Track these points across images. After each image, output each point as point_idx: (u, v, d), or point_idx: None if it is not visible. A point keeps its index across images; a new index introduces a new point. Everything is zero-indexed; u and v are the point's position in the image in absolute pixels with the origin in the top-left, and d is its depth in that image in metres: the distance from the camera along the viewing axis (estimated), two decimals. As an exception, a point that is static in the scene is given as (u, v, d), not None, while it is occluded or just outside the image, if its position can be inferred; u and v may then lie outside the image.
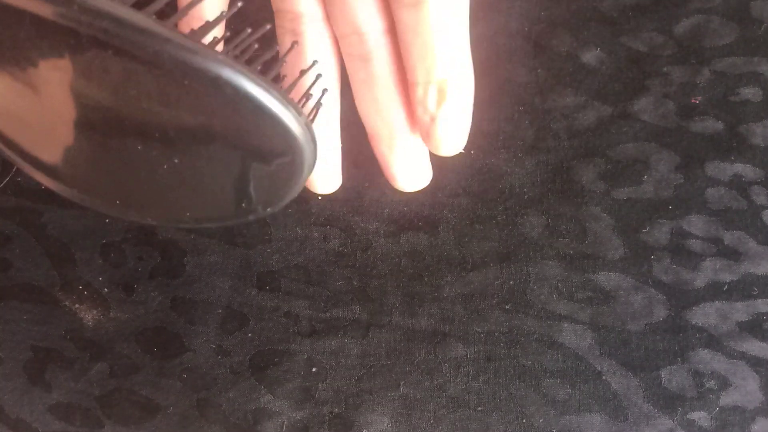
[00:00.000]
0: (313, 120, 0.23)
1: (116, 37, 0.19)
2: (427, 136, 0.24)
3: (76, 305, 0.30)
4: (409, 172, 0.26)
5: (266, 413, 0.28)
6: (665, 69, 0.31)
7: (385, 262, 0.30)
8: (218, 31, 0.25)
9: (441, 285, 0.29)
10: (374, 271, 0.30)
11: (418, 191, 0.27)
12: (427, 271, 0.30)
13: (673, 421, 0.28)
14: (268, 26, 0.22)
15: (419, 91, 0.24)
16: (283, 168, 0.22)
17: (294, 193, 0.23)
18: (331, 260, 0.30)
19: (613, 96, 0.31)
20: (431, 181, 0.30)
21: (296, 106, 0.21)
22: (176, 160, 0.21)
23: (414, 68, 0.24)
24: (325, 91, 0.25)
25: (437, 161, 0.31)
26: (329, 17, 0.25)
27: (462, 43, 0.24)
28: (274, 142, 0.21)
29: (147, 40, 0.19)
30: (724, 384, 0.28)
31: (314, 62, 0.25)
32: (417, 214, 0.30)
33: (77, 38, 0.19)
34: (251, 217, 0.24)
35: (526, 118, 0.31)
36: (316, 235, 0.30)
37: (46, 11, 0.19)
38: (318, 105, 0.25)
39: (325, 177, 0.27)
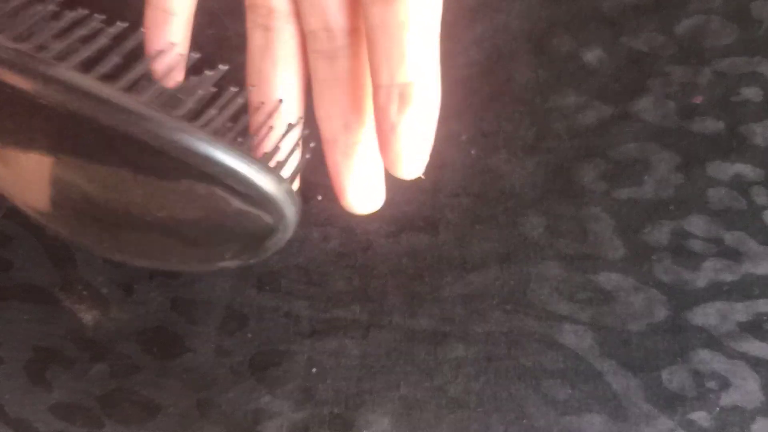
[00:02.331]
0: (295, 176, 0.23)
1: (86, 111, 0.19)
2: (384, 148, 0.22)
3: (77, 305, 0.30)
4: (362, 188, 0.25)
5: (266, 413, 0.28)
6: (666, 69, 0.31)
7: (385, 262, 0.30)
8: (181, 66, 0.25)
9: (441, 285, 0.29)
10: (374, 272, 0.30)
11: (374, 207, 0.26)
12: (427, 271, 0.30)
13: (674, 421, 0.28)
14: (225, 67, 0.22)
15: (381, 95, 0.22)
16: (266, 227, 0.22)
17: (278, 247, 0.23)
18: (331, 260, 0.30)
19: (613, 96, 0.31)
20: (431, 181, 0.30)
21: (275, 173, 0.21)
22: (159, 215, 0.22)
23: (377, 69, 0.22)
24: (307, 140, 0.24)
25: (438, 161, 0.31)
26: (298, 13, 0.24)
27: (432, 49, 0.22)
28: (255, 206, 0.21)
29: (115, 115, 0.19)
30: (725, 384, 0.28)
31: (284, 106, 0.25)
32: (417, 214, 0.30)
33: (55, 110, 0.19)
34: (236, 265, 0.24)
35: (527, 118, 0.31)
36: (316, 235, 0.30)
37: (17, 83, 0.19)
38: (303, 154, 0.24)
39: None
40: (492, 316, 0.29)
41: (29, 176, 0.23)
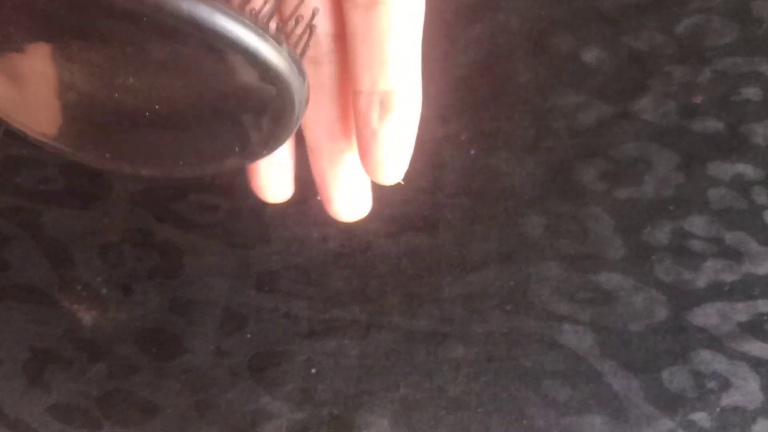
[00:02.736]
0: (304, 49, 0.21)
1: None
2: (364, 156, 0.22)
3: (75, 306, 0.30)
4: (349, 196, 0.24)
5: (265, 414, 0.28)
6: (666, 68, 0.31)
7: (384, 262, 0.30)
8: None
9: (441, 285, 0.29)
10: (374, 272, 0.30)
11: (361, 214, 0.25)
12: (426, 271, 0.29)
13: (674, 421, 0.28)
14: None
15: (362, 102, 0.22)
16: (273, 106, 0.20)
17: (289, 132, 0.21)
18: (330, 261, 0.30)
19: (613, 95, 0.31)
20: (430, 180, 0.30)
21: (275, 37, 0.19)
22: (159, 108, 0.20)
23: (359, 75, 0.22)
24: (316, 11, 0.22)
25: (438, 160, 0.31)
26: (282, 18, 0.23)
27: (413, 57, 0.22)
28: (256, 78, 0.19)
29: None
30: (725, 384, 0.28)
31: None
32: (417, 215, 0.30)
33: None
34: (247, 162, 0.23)
35: (527, 118, 0.31)
36: (315, 235, 0.30)
37: None
38: (309, 28, 0.22)
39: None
40: (492, 317, 0.29)
41: (29, 90, 0.22)
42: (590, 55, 0.31)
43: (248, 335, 0.29)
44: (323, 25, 0.23)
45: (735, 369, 0.28)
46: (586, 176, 0.30)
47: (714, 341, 0.28)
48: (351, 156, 0.24)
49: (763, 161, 0.30)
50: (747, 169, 0.30)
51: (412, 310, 0.29)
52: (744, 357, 0.28)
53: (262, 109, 0.20)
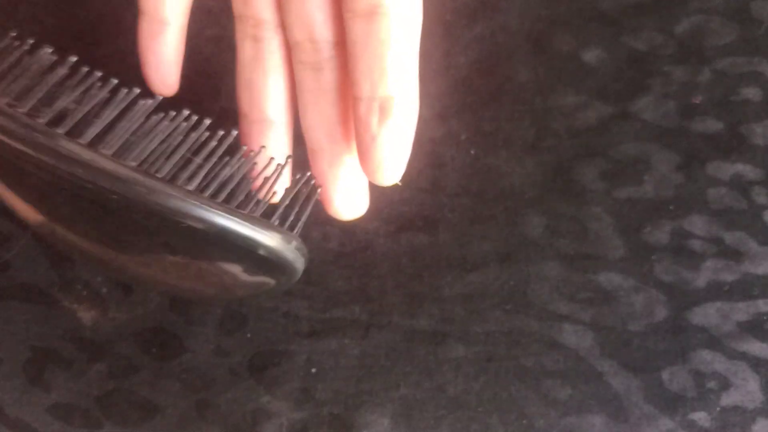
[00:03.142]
0: (297, 224, 0.24)
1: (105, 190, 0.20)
2: (364, 158, 0.23)
3: (75, 305, 0.30)
4: (348, 195, 0.25)
5: (265, 414, 0.28)
6: (666, 68, 0.31)
7: (384, 262, 0.30)
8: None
9: (441, 285, 0.29)
10: (374, 271, 0.30)
11: (359, 213, 0.26)
12: (426, 271, 0.29)
13: (674, 421, 0.28)
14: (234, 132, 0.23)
15: (362, 107, 0.23)
16: (279, 279, 0.24)
17: (286, 287, 0.26)
18: (330, 260, 0.30)
19: (613, 95, 0.31)
20: (430, 180, 0.30)
21: (284, 233, 0.22)
22: (178, 269, 0.24)
23: (359, 82, 0.23)
24: (312, 183, 0.26)
25: (438, 160, 0.31)
26: (284, 24, 0.25)
27: (411, 64, 0.23)
28: (266, 263, 0.23)
29: (128, 190, 0.20)
30: (725, 384, 0.28)
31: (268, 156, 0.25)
32: (417, 214, 0.30)
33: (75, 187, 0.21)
34: (245, 298, 0.28)
35: (527, 118, 0.31)
36: (315, 234, 0.30)
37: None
38: (310, 192, 0.25)
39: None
40: (492, 316, 0.29)
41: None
42: (590, 55, 0.31)
43: (248, 335, 0.29)
44: (325, 33, 0.24)
45: (735, 369, 0.28)
46: (586, 176, 0.30)
47: (714, 341, 0.28)
48: (350, 158, 0.25)
49: (763, 161, 0.30)
50: (746, 169, 0.30)
51: (412, 309, 0.29)
52: (744, 357, 0.28)
53: (269, 280, 0.24)
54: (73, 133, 0.21)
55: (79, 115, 0.21)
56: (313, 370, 0.29)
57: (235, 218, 0.21)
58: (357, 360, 0.29)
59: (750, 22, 0.31)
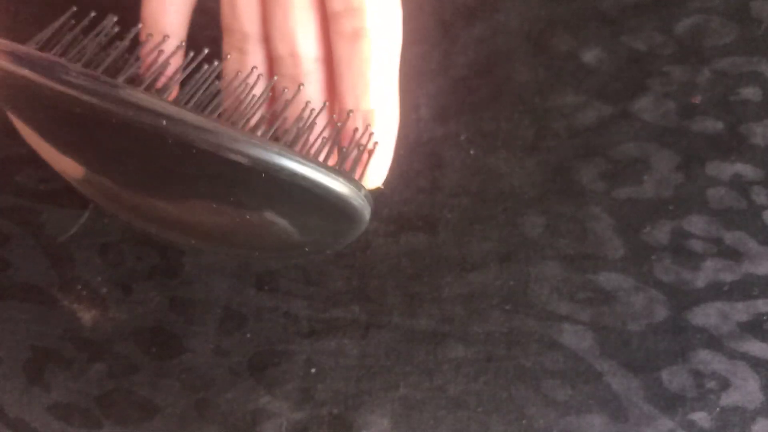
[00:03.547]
0: (364, 171, 0.25)
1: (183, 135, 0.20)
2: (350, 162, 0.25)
3: (75, 305, 0.30)
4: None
5: (265, 414, 0.28)
6: (665, 68, 0.31)
7: (384, 262, 0.30)
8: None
9: (441, 285, 0.29)
10: (374, 271, 0.30)
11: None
12: (426, 271, 0.29)
13: (674, 421, 0.28)
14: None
15: (347, 120, 0.25)
16: (346, 227, 0.24)
17: (354, 237, 0.25)
18: (330, 260, 0.30)
19: (613, 95, 0.31)
20: (430, 180, 0.30)
21: (356, 183, 0.23)
22: (250, 219, 0.24)
23: (344, 95, 0.25)
24: (375, 142, 0.26)
25: (438, 160, 0.31)
26: (269, 38, 0.26)
27: (391, 80, 0.25)
28: (338, 213, 0.23)
29: (211, 139, 0.20)
30: (725, 384, 0.28)
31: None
32: (416, 214, 0.30)
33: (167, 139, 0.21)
34: (313, 256, 0.27)
35: (526, 118, 0.31)
36: (315, 235, 0.30)
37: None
38: (370, 149, 0.26)
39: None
40: (492, 316, 0.29)
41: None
42: (590, 56, 0.31)
43: (248, 335, 0.29)
44: (305, 49, 0.25)
45: (735, 369, 0.28)
46: (586, 176, 0.30)
47: (713, 341, 0.28)
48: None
49: (763, 161, 0.30)
50: (746, 169, 0.30)
51: (412, 309, 0.29)
52: (744, 357, 0.28)
53: (338, 229, 0.24)
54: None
55: (149, 79, 0.22)
56: (313, 370, 0.29)
57: (312, 165, 0.21)
58: (357, 360, 0.29)
59: (750, 22, 0.31)
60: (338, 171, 0.22)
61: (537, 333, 0.29)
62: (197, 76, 0.22)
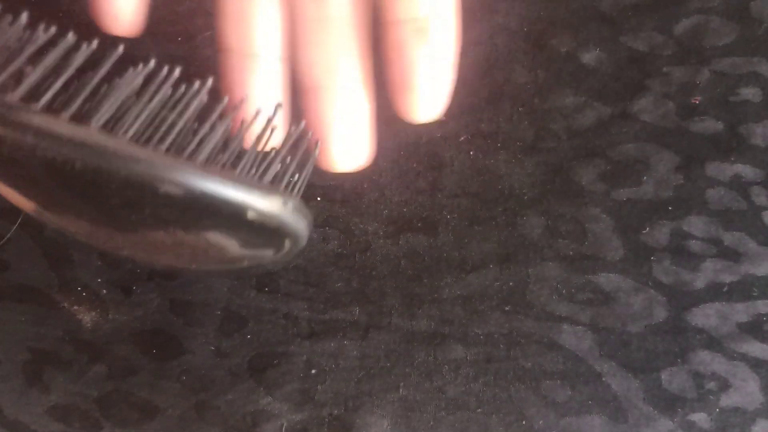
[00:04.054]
0: (297, 183, 0.22)
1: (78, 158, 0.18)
2: (400, 90, 0.21)
3: (74, 306, 0.30)
4: (347, 138, 0.23)
5: (265, 415, 0.28)
6: (665, 69, 0.31)
7: (384, 263, 0.30)
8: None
9: (440, 286, 0.29)
10: (373, 273, 0.30)
11: (359, 162, 0.24)
12: (426, 272, 0.29)
13: (674, 422, 0.28)
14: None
15: (396, 31, 0.21)
16: (281, 242, 0.22)
17: (297, 251, 0.23)
18: (330, 261, 0.30)
19: (612, 96, 0.31)
20: (429, 181, 0.30)
21: (279, 192, 0.20)
22: (177, 239, 0.21)
23: (392, 3, 0.21)
24: (311, 135, 0.23)
25: (437, 161, 0.31)
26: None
27: None
28: (265, 229, 0.20)
29: (110, 161, 0.18)
30: (725, 385, 0.28)
31: (276, 108, 0.22)
32: (416, 215, 0.30)
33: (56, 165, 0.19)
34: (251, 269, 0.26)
35: (526, 119, 0.31)
36: (314, 236, 0.30)
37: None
38: (310, 145, 0.23)
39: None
40: (491, 317, 0.29)
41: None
42: (589, 56, 0.31)
43: (248, 336, 0.29)
44: None
45: (734, 370, 0.28)
46: (585, 177, 0.30)
47: (713, 342, 0.28)
48: (351, 95, 0.23)
49: (762, 162, 0.30)
50: (746, 170, 0.30)
51: (412, 310, 0.29)
52: (743, 358, 0.28)
53: (276, 246, 0.22)
54: (30, 98, 0.19)
55: (36, 79, 0.19)
56: (313, 372, 0.29)
57: (217, 178, 0.19)
58: (357, 361, 0.29)
59: (750, 22, 0.31)
60: (260, 185, 0.20)
61: (536, 334, 0.29)
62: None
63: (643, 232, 0.29)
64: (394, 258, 0.30)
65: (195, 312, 0.29)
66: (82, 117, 0.19)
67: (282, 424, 0.28)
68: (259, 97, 0.23)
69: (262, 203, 0.19)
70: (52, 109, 0.19)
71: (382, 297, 0.29)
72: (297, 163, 0.22)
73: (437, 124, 0.31)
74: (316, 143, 0.23)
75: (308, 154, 0.23)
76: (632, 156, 0.30)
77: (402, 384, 0.28)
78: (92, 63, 0.21)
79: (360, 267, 0.30)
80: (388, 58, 0.21)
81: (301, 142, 0.22)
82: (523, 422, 0.28)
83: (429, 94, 0.21)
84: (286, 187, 0.22)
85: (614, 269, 0.29)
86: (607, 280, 0.29)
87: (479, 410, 0.28)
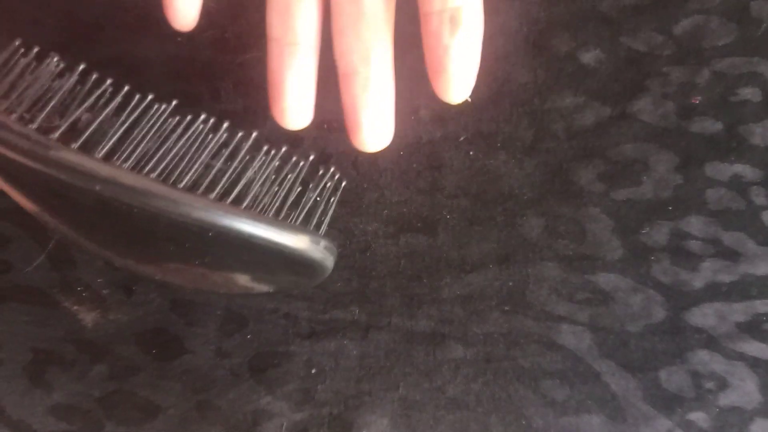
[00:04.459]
0: (324, 221, 0.25)
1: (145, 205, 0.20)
2: (436, 73, 0.24)
3: (76, 307, 0.30)
4: (378, 122, 0.26)
5: (266, 414, 0.28)
6: (664, 69, 0.31)
7: (384, 263, 0.30)
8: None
9: (440, 286, 0.29)
10: (373, 273, 0.30)
11: (384, 143, 0.26)
12: (426, 272, 0.30)
13: (672, 421, 0.28)
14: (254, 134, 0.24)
15: (433, 21, 0.24)
16: (310, 275, 0.25)
17: (321, 280, 0.26)
18: (330, 262, 0.30)
19: (612, 96, 0.31)
20: (429, 182, 0.30)
21: (313, 234, 0.23)
22: (213, 271, 0.24)
23: None
24: (337, 177, 0.26)
25: (437, 161, 0.31)
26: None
27: None
28: (299, 265, 0.23)
29: (173, 207, 0.20)
30: (723, 385, 0.28)
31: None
32: (416, 215, 0.30)
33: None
34: (278, 292, 0.28)
35: (525, 119, 0.31)
36: (315, 236, 0.30)
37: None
38: (335, 186, 0.26)
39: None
40: (491, 317, 0.29)
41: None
42: (589, 56, 0.31)
43: (248, 336, 0.29)
44: None
45: (733, 369, 0.28)
46: (585, 177, 0.30)
47: (712, 341, 0.28)
48: (384, 82, 0.26)
49: (762, 162, 0.30)
50: (745, 170, 0.30)
51: (412, 310, 0.29)
52: (742, 357, 0.28)
53: (303, 278, 0.25)
54: (88, 145, 0.20)
55: (93, 126, 0.21)
56: (313, 371, 0.29)
57: (260, 223, 0.21)
58: (357, 361, 0.29)
59: (749, 22, 0.31)
60: (293, 226, 0.22)
61: (536, 334, 0.29)
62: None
63: (642, 232, 0.29)
64: (394, 258, 0.30)
65: (196, 312, 0.29)
66: (138, 164, 0.21)
67: (282, 424, 0.28)
68: (297, 80, 0.26)
69: (299, 243, 0.22)
70: (88, 147, 0.20)
71: (382, 297, 0.29)
72: (324, 201, 0.25)
73: (437, 123, 0.31)
74: (341, 181, 0.26)
75: (335, 190, 0.26)
76: (631, 156, 0.30)
77: (402, 383, 0.29)
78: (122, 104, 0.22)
79: (360, 267, 0.30)
80: (426, 44, 0.25)
81: (329, 183, 0.25)
82: (522, 421, 0.28)
83: (461, 75, 0.24)
84: (316, 225, 0.24)
85: (613, 269, 0.29)
86: (606, 279, 0.29)
87: (479, 409, 0.28)
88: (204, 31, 0.32)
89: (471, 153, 0.30)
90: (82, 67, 0.23)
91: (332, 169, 0.26)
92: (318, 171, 0.26)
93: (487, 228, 0.30)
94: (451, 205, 0.30)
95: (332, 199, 0.26)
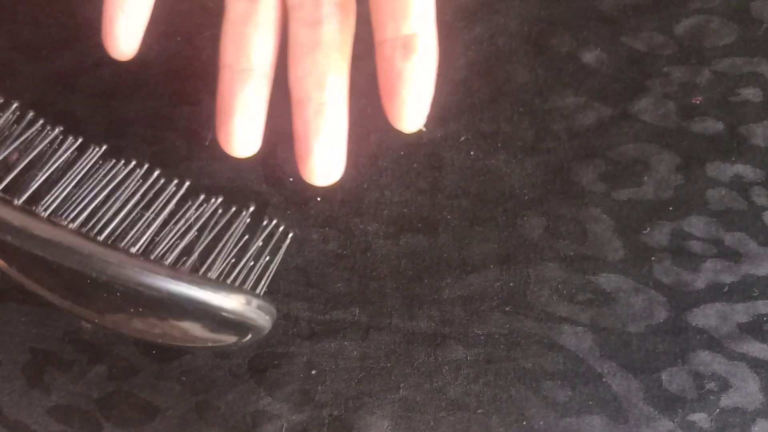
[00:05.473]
0: (264, 277, 0.25)
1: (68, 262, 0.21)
2: (390, 99, 0.24)
3: (75, 307, 0.30)
4: (328, 147, 0.25)
5: (265, 416, 0.28)
6: (665, 69, 0.31)
7: (384, 263, 0.30)
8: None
9: (441, 287, 0.29)
10: (373, 273, 0.30)
11: (334, 177, 0.26)
12: (426, 272, 0.29)
13: (674, 422, 0.28)
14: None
15: (387, 47, 0.24)
16: (245, 332, 0.25)
17: (260, 337, 0.26)
18: (330, 262, 0.30)
19: (613, 96, 0.31)
20: (430, 182, 0.30)
21: (245, 293, 0.23)
22: (147, 323, 0.24)
23: (383, 24, 0.25)
24: (281, 229, 0.26)
25: (437, 161, 0.31)
26: None
27: (430, 3, 0.25)
28: (228, 323, 0.24)
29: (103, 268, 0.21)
30: (725, 385, 0.28)
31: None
32: (416, 216, 0.30)
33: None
34: (215, 348, 0.28)
35: (526, 119, 0.31)
36: (315, 236, 0.30)
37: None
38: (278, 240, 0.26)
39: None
40: (492, 318, 0.29)
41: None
42: (589, 56, 0.31)
43: (248, 337, 0.29)
44: None
45: (734, 370, 0.28)
46: (586, 177, 0.30)
47: (713, 342, 0.28)
48: (335, 110, 0.26)
49: (763, 162, 0.30)
50: (746, 170, 0.30)
51: (412, 311, 0.29)
52: (743, 358, 0.28)
53: (235, 338, 0.25)
54: (14, 187, 0.21)
55: (18, 168, 0.22)
56: (313, 372, 0.29)
57: (192, 284, 0.22)
58: (357, 362, 0.29)
59: (750, 22, 0.31)
60: (226, 286, 0.22)
61: (537, 334, 0.29)
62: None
63: (644, 232, 0.29)
64: (394, 258, 0.30)
65: (195, 312, 0.29)
66: (58, 213, 0.21)
67: (282, 425, 0.28)
68: (248, 106, 0.26)
69: (228, 303, 0.23)
70: (29, 204, 0.21)
71: (383, 297, 0.29)
72: (267, 255, 0.25)
73: (437, 124, 0.31)
74: (287, 234, 0.26)
75: (278, 246, 0.26)
76: (632, 156, 0.30)
77: (402, 384, 0.29)
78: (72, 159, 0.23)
79: (360, 268, 0.30)
80: (380, 71, 0.25)
81: (271, 237, 0.26)
82: (524, 423, 0.28)
83: (413, 102, 0.24)
84: (254, 285, 0.25)
85: (614, 269, 0.29)
86: (607, 280, 0.29)
87: (480, 411, 0.28)
88: (204, 31, 0.32)
89: (472, 153, 0.30)
90: (15, 105, 0.23)
91: (274, 223, 0.26)
92: (262, 223, 0.26)
93: (487, 228, 0.30)
94: (451, 205, 0.30)
95: (276, 253, 0.26)
